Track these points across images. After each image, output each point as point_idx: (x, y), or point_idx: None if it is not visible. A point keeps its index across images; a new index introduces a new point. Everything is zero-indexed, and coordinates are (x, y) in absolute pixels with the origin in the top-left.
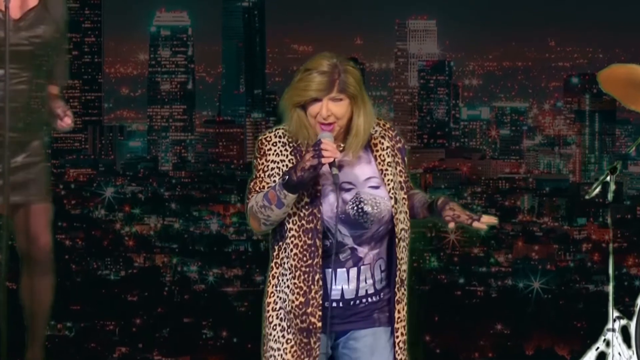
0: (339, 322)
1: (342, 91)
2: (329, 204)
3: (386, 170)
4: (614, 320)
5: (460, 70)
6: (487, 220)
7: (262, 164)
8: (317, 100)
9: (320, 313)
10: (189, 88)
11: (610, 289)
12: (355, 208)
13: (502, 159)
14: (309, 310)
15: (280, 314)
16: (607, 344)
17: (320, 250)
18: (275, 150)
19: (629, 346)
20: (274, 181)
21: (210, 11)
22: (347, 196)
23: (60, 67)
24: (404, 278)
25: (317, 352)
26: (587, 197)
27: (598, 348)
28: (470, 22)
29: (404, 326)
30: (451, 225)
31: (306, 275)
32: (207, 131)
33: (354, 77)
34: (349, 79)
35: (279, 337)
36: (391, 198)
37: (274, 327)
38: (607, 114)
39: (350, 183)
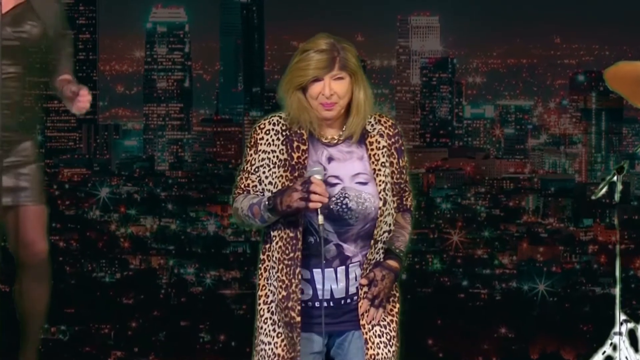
0: (331, 322)
1: (343, 68)
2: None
3: (379, 170)
4: (621, 324)
5: (463, 68)
6: (370, 313)
7: (251, 155)
8: (317, 80)
9: (299, 307)
10: (185, 86)
11: (617, 291)
12: (340, 204)
13: (507, 158)
14: (290, 304)
15: (272, 307)
16: (614, 347)
17: (299, 244)
18: (267, 140)
19: (636, 350)
20: (262, 173)
21: (207, 7)
22: (332, 191)
23: (64, 62)
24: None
25: (298, 347)
26: (593, 197)
27: (605, 352)
28: (473, 19)
29: (374, 325)
30: (362, 281)
31: (288, 269)
32: (205, 130)
33: (352, 54)
34: (349, 55)
35: (269, 330)
36: (380, 199)
37: (265, 321)
38: (613, 113)
39: (337, 177)
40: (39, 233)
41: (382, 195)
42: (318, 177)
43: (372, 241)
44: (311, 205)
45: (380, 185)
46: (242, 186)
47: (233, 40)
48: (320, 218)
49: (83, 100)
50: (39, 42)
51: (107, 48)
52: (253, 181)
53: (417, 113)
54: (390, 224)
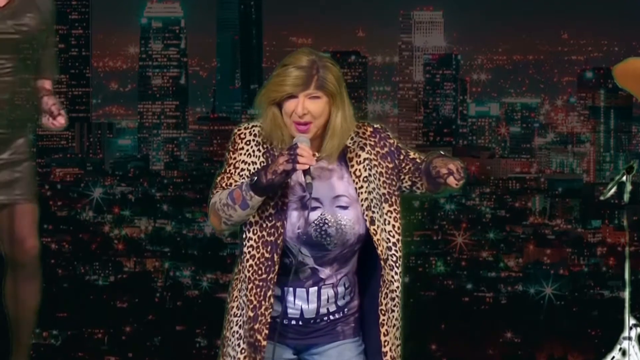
0: (297, 338)
1: (319, 88)
2: (291, 224)
3: (361, 187)
4: (631, 328)
5: (468, 64)
6: (450, 182)
7: (234, 159)
8: (292, 97)
9: (267, 331)
10: (181, 83)
11: (626, 295)
12: (319, 230)
13: (512, 157)
14: (256, 326)
15: (240, 320)
16: (624, 353)
17: (276, 267)
18: (247, 150)
19: None
20: (243, 181)
21: (204, 2)
22: (312, 216)
23: (48, 60)
24: (395, 298)
25: None
26: (602, 198)
27: (614, 357)
28: (478, 14)
29: (395, 348)
30: (451, 182)
31: (258, 290)
32: (201, 128)
33: (333, 74)
34: (328, 75)
35: (235, 344)
36: (365, 220)
37: (233, 334)
38: (623, 111)
39: (317, 200)
40: (30, 230)
41: (367, 215)
42: (304, 143)
43: (382, 261)
44: (298, 166)
45: (362, 203)
46: (224, 185)
47: (230, 36)
48: (308, 178)
49: (57, 125)
50: (37, 34)
51: (100, 44)
52: (236, 181)
53: (420, 111)
54: (388, 238)
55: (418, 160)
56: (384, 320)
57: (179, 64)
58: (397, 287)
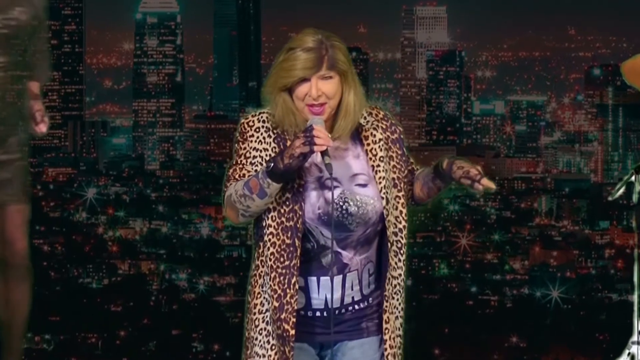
0: (323, 332)
1: (331, 67)
2: (311, 204)
3: (378, 166)
4: (639, 333)
5: (472, 61)
6: (487, 184)
7: (244, 148)
8: (304, 80)
9: (294, 320)
10: (177, 80)
11: (635, 298)
12: (340, 209)
13: (518, 157)
14: (283, 316)
15: (266, 317)
16: (632, 358)
17: (298, 252)
18: (257, 137)
19: None
20: (256, 170)
21: None
22: (331, 195)
23: (40, 61)
24: (397, 285)
25: None
26: (610, 198)
27: None
28: (483, 9)
29: (395, 337)
30: (478, 187)
31: (282, 278)
32: (198, 127)
33: (342, 52)
34: (338, 54)
35: (264, 342)
36: (382, 198)
37: (260, 332)
38: (631, 108)
39: (336, 180)
40: (20, 231)
41: (384, 193)
42: (319, 125)
43: (389, 244)
44: (316, 148)
45: (380, 182)
46: (237, 176)
47: (228, 32)
48: (327, 159)
49: (39, 131)
50: (27, 28)
51: (94, 40)
52: (249, 171)
53: (423, 109)
54: (396, 223)
55: (415, 168)
56: (386, 307)
57: (175, 61)
58: (400, 275)
